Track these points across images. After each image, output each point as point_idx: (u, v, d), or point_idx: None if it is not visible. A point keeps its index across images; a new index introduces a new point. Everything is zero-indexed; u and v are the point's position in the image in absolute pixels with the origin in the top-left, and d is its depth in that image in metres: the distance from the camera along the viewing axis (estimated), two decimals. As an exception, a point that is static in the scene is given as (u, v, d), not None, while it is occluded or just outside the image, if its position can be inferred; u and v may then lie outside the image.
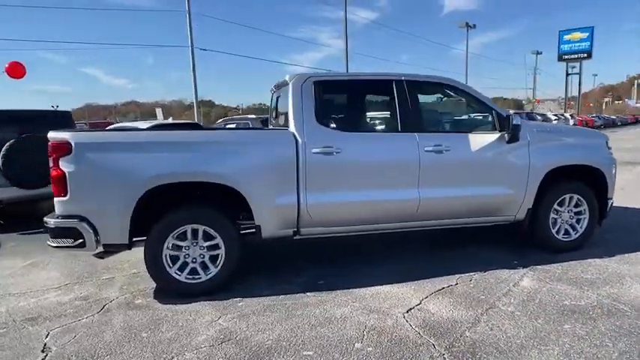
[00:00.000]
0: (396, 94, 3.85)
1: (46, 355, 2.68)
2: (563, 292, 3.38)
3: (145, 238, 3.50)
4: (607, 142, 4.46)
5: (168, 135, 3.69)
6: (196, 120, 24.25)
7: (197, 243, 3.48)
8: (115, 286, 3.83)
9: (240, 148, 3.52)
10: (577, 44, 40.25)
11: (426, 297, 3.38)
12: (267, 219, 3.56)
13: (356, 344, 2.70)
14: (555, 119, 32.33)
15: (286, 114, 3.84)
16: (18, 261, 4.68)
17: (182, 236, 3.45)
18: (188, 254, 3.48)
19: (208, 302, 3.38)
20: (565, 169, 4.15)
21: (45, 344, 2.81)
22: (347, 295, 3.45)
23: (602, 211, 4.36)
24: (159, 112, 24.88)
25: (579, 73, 41.51)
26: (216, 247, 3.51)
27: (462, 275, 3.77)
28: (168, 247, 3.42)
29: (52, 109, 7.42)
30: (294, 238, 3.79)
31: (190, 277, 3.49)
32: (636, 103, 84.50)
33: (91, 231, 3.26)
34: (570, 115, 38.41)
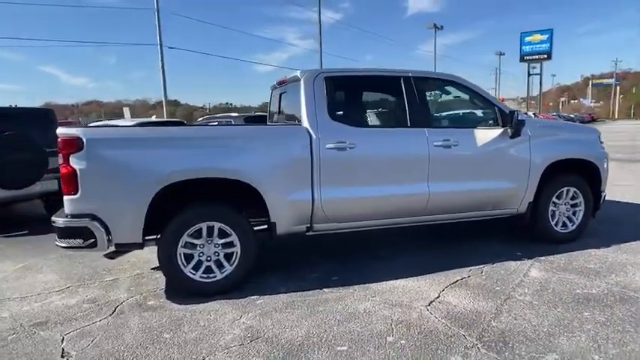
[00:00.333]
0: (404, 90, 3.89)
1: (67, 360, 2.56)
2: (573, 282, 3.51)
3: (154, 237, 3.41)
4: (599, 137, 4.66)
5: (183, 130, 3.58)
6: (165, 116, 23.70)
7: (212, 241, 3.40)
8: (121, 287, 3.69)
9: (256, 143, 3.46)
10: (538, 46, 41.85)
11: (443, 290, 3.43)
12: (282, 215, 3.52)
13: (387, 338, 2.71)
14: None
15: (296, 110, 3.80)
16: (8, 265, 4.43)
17: (196, 234, 3.36)
18: (203, 252, 3.39)
19: (225, 301, 3.31)
20: (562, 163, 4.31)
21: (63, 349, 2.68)
22: (365, 290, 3.46)
23: (596, 204, 4.55)
24: (126, 111, 24.09)
25: (540, 74, 43.28)
26: (231, 244, 3.44)
27: (472, 268, 3.86)
28: (182, 246, 3.32)
29: (34, 107, 7.03)
30: (307, 234, 3.76)
31: (205, 275, 3.40)
32: (591, 102, 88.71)
33: (103, 230, 3.12)
34: (534, 114, 39.97)
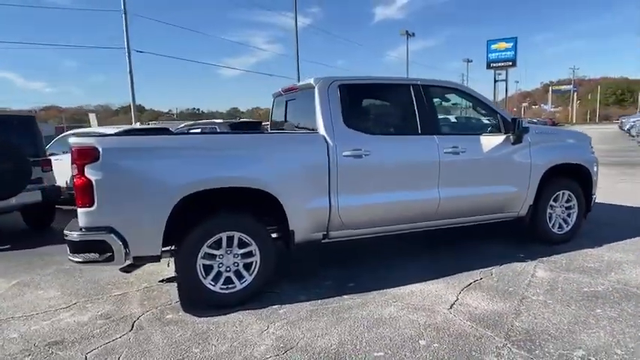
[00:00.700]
0: (414, 98, 3.99)
1: (98, 380, 2.46)
2: (577, 281, 3.68)
3: (169, 248, 3.33)
4: (590, 143, 4.93)
5: (202, 139, 3.52)
6: (133, 124, 23.05)
7: (231, 251, 3.36)
8: (132, 302, 3.57)
9: (274, 151, 3.45)
10: (503, 53, 43.44)
11: (460, 292, 3.52)
12: (301, 223, 3.52)
13: (420, 342, 2.76)
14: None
15: (309, 117, 3.82)
16: (0, 282, 4.18)
17: (215, 245, 3.30)
18: (222, 263, 3.34)
19: (247, 312, 3.27)
20: (559, 168, 4.52)
21: (89, 369, 2.57)
22: (384, 296, 3.50)
23: (587, 206, 4.80)
24: (92, 117, 23.25)
25: (506, 80, 45.07)
26: (250, 254, 3.40)
27: (482, 270, 3.98)
28: (202, 257, 3.26)
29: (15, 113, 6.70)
30: (322, 241, 3.77)
31: (224, 286, 3.35)
32: (551, 107, 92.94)
33: (121, 243, 3.02)
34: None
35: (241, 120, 10.51)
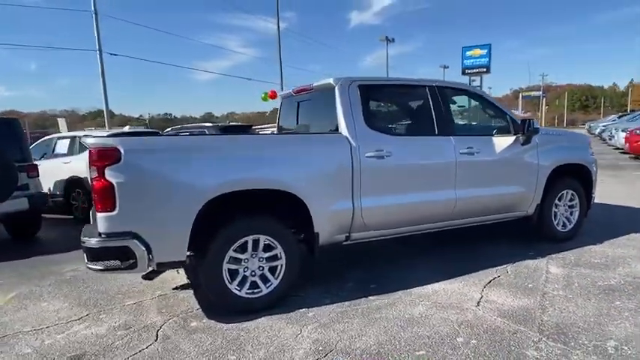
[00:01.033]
0: (430, 99, 4.03)
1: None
2: (590, 275, 3.79)
3: (189, 253, 3.21)
4: (590, 144, 5.12)
5: (228, 139, 3.42)
6: (107, 127, 22.33)
7: (256, 255, 3.27)
8: (149, 311, 3.42)
9: (300, 153, 3.40)
10: (478, 60, 44.34)
11: (482, 290, 3.55)
12: (325, 226, 3.47)
13: (457, 339, 2.76)
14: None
15: (328, 118, 3.79)
16: (-3, 295, 3.93)
17: (240, 249, 3.21)
18: (247, 267, 3.26)
19: (274, 316, 3.19)
20: (563, 168, 4.66)
21: (124, 381, 2.43)
22: (409, 296, 3.49)
23: (588, 204, 4.97)
24: (62, 123, 22.37)
25: (480, 86, 46.28)
26: (275, 258, 3.33)
27: (497, 268, 4.04)
28: (228, 262, 3.16)
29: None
30: (344, 243, 3.74)
31: (250, 291, 3.26)
32: (522, 112, 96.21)
33: (144, 249, 2.89)
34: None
35: (231, 123, 10.33)
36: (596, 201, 6.89)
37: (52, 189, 7.58)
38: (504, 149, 4.25)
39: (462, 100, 4.58)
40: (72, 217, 7.66)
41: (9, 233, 6.38)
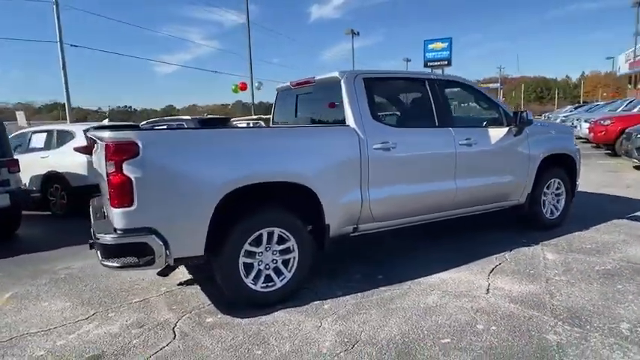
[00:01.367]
0: (430, 91, 4.09)
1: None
2: (587, 261, 3.98)
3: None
4: (573, 134, 5.34)
5: (244, 133, 3.35)
6: (68, 121, 21.41)
7: (270, 248, 3.25)
8: (159, 308, 3.33)
9: (312, 145, 3.39)
10: (439, 53, 45.29)
11: (488, 277, 3.67)
12: (336, 217, 3.48)
13: (478, 326, 2.85)
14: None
15: (332, 111, 3.79)
16: (-11, 297, 3.73)
17: (255, 242, 3.18)
18: (261, 261, 3.23)
19: (290, 310, 3.19)
20: (550, 158, 4.86)
21: (152, 381, 2.37)
22: (419, 285, 3.56)
23: (572, 192, 5.21)
24: (20, 115, 21.31)
25: (442, 79, 47.21)
26: (288, 250, 3.32)
27: (496, 256, 4.17)
28: (243, 255, 3.12)
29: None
30: (351, 235, 3.76)
31: (264, 285, 3.24)
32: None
33: (162, 244, 2.81)
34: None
35: (209, 116, 10.11)
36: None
37: (27, 184, 7.21)
38: (499, 140, 4.38)
39: (457, 92, 4.66)
40: (49, 213, 7.34)
41: (-14, 231, 6.03)
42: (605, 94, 56.46)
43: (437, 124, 4.07)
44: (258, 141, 3.18)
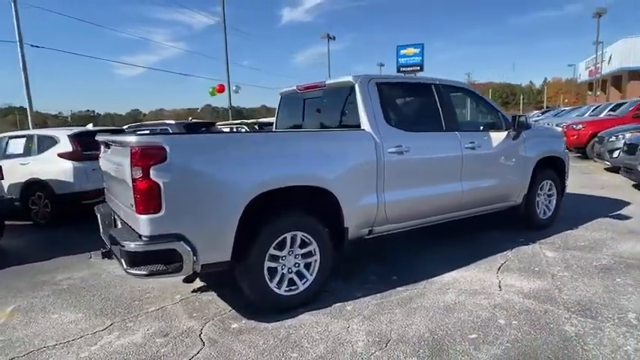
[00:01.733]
0: (437, 96, 4.23)
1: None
2: (583, 257, 4.21)
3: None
4: (563, 138, 5.63)
5: (268, 137, 3.34)
6: (30, 127, 20.50)
7: (292, 252, 3.27)
8: (179, 316, 3.28)
9: (332, 149, 3.43)
10: (411, 58, 46.26)
11: (497, 275, 3.82)
12: (354, 220, 3.54)
13: (499, 320, 2.97)
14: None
15: (346, 115, 3.85)
16: (-10, 311, 3.55)
17: (278, 247, 3.19)
18: (284, 265, 3.24)
19: (314, 312, 3.21)
20: (543, 160, 5.10)
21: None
22: (434, 284, 3.67)
23: (562, 193, 5.48)
24: None
25: (415, 84, 48.21)
26: (309, 254, 3.34)
27: (499, 255, 4.34)
28: (268, 259, 3.13)
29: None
30: (366, 237, 3.83)
31: (288, 288, 3.25)
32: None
33: (190, 251, 2.78)
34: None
35: (194, 121, 9.94)
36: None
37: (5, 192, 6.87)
38: (499, 143, 4.58)
39: (458, 97, 4.83)
40: (30, 222, 7.02)
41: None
42: (566, 100, 59.35)
43: (444, 128, 4.21)
44: (283, 144, 3.21)
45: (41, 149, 7.03)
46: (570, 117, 14.84)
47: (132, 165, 2.70)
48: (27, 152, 7.16)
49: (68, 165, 6.60)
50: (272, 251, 3.14)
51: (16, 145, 7.32)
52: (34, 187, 6.87)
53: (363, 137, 3.61)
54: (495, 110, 4.79)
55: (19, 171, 6.96)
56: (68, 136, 6.81)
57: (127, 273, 2.78)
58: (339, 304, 3.36)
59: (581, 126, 10.74)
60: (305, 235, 3.27)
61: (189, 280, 3.20)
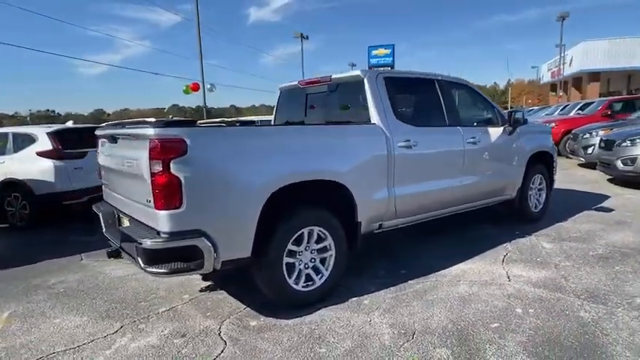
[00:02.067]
0: (440, 92, 4.29)
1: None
2: (580, 248, 4.36)
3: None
4: (551, 133, 5.82)
5: (287, 131, 3.27)
6: None
7: (309, 247, 3.22)
8: (192, 315, 3.17)
9: (346, 143, 3.41)
10: (383, 59, 46.79)
11: (503, 266, 3.90)
12: (366, 215, 3.53)
13: (516, 310, 3.04)
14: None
15: (353, 110, 3.83)
16: (-17, 317, 3.32)
17: (296, 242, 3.14)
18: (301, 260, 3.19)
19: (332, 307, 3.19)
20: (535, 155, 5.26)
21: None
22: (444, 277, 3.71)
23: (551, 187, 5.67)
24: None
25: (385, 85, 48.87)
26: (325, 249, 3.31)
27: (500, 247, 4.44)
28: (286, 255, 3.07)
29: None
30: (376, 231, 3.83)
31: (305, 284, 3.20)
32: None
33: (211, 247, 2.69)
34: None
35: (175, 119, 9.65)
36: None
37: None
38: (497, 138, 4.69)
39: (461, 93, 4.90)
40: (6, 225, 6.63)
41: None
42: (529, 100, 61.59)
43: (447, 123, 4.27)
44: (301, 138, 3.16)
45: (17, 148, 6.66)
46: (539, 116, 15.41)
47: (151, 158, 2.58)
48: (1, 151, 6.76)
49: (48, 164, 6.28)
50: (290, 247, 3.09)
51: (-11, 144, 6.89)
52: (10, 187, 6.50)
53: (375, 131, 3.61)
54: (492, 106, 4.90)
55: (-7, 171, 6.56)
56: (47, 133, 6.47)
57: (145, 271, 2.66)
58: (355, 298, 3.34)
59: (554, 124, 11.16)
60: (321, 230, 3.24)
61: (206, 276, 3.10)
